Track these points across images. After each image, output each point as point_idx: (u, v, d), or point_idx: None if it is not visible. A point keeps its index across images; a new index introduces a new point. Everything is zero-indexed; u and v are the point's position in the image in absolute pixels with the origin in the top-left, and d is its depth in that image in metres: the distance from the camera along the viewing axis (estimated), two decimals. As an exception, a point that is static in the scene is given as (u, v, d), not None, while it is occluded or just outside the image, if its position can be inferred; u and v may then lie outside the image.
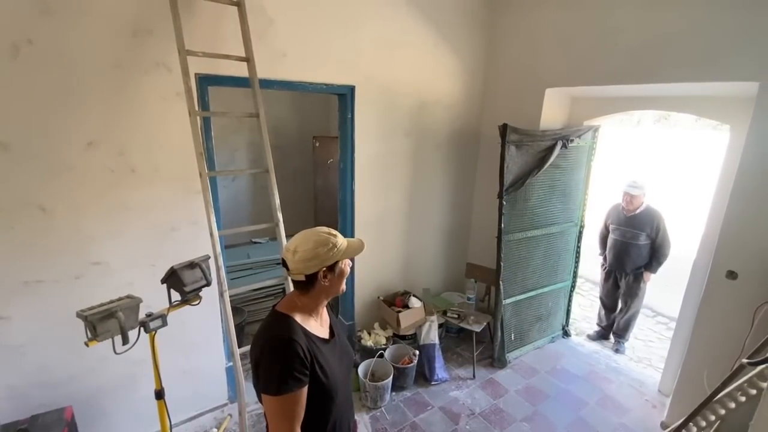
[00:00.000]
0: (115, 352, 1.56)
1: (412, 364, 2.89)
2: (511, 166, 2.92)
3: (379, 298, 3.32)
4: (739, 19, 2.06)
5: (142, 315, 1.67)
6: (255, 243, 5.34)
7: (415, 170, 3.29)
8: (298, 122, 5.65)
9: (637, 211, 3.26)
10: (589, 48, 2.76)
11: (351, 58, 2.67)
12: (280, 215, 2.07)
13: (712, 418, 1.68)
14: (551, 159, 3.00)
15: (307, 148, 5.69)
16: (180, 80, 1.92)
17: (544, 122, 3.17)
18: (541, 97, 3.12)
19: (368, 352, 2.99)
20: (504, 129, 2.81)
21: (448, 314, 3.28)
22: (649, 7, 2.41)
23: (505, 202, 2.94)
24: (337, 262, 1.13)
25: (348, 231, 3.04)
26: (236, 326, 3.10)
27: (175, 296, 1.78)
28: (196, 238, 2.25)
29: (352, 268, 3.14)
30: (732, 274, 2.24)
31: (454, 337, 3.57)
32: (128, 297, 1.63)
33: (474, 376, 3.08)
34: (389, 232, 3.28)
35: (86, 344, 1.51)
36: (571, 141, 3.09)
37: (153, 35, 1.95)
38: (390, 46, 2.84)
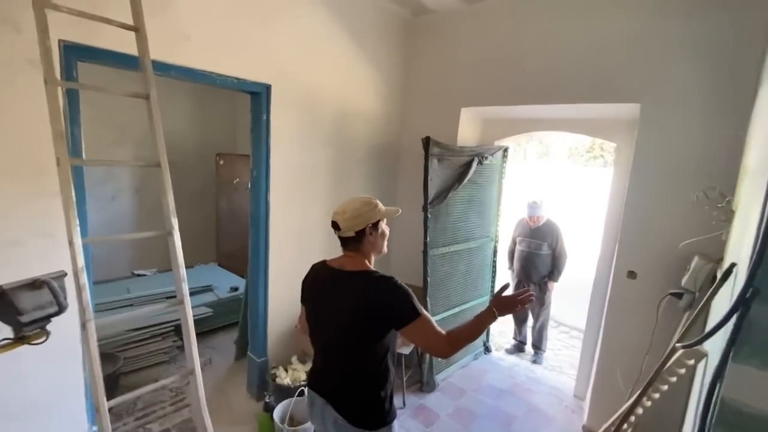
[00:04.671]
0: None
1: (337, 399, 2.53)
2: (435, 179, 2.91)
3: (296, 327, 2.91)
4: (624, 48, 2.38)
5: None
6: (138, 276, 4.46)
7: (337, 183, 3.08)
8: (199, 137, 5.06)
9: (540, 224, 3.57)
10: (497, 71, 2.96)
11: (267, 54, 2.42)
12: (174, 221, 1.64)
13: (649, 404, 1.71)
14: (469, 174, 3.08)
15: (209, 167, 5.10)
16: (34, 45, 1.45)
17: (460, 140, 3.27)
18: (457, 116, 3.23)
19: (285, 392, 2.55)
20: (427, 142, 2.80)
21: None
22: (549, 34, 2.68)
23: (429, 216, 2.89)
24: (379, 221, 1.40)
25: (261, 249, 2.65)
26: (108, 376, 2.41)
27: (6, 331, 1.22)
28: (51, 255, 1.67)
29: (265, 293, 2.72)
30: (632, 274, 2.45)
31: (380, 364, 3.30)
32: None
33: (404, 404, 2.83)
34: (309, 251, 2.95)
35: None
36: (485, 158, 3.23)
37: (-6, -20, 1.47)
38: (310, 49, 2.67)
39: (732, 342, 1.11)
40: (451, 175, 3.04)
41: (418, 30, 3.40)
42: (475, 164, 3.11)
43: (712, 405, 1.12)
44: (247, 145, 2.64)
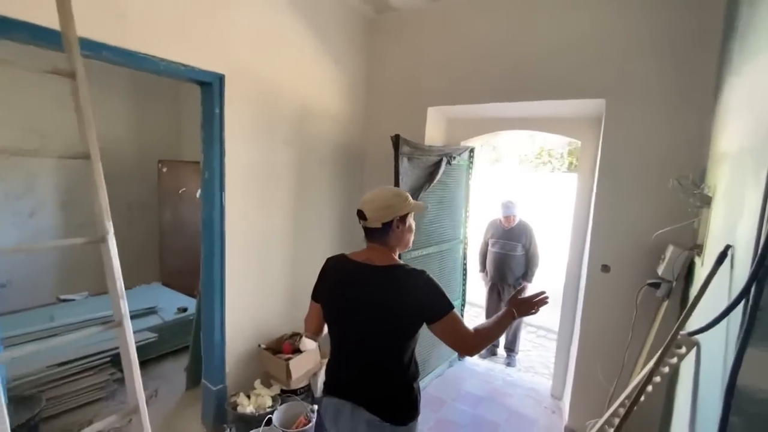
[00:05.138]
0: None
1: (309, 425, 2.27)
2: (405, 179, 2.76)
3: (260, 346, 2.61)
4: (588, 44, 2.41)
5: None
6: (64, 301, 3.87)
7: (300, 186, 2.84)
8: (138, 143, 4.57)
9: (514, 224, 3.53)
10: (463, 69, 2.91)
11: (221, 41, 2.17)
12: (109, 224, 1.34)
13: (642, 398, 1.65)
14: (439, 174, 2.98)
15: (150, 176, 4.61)
16: None
17: (427, 141, 3.18)
18: (424, 116, 3.14)
19: (248, 422, 2.24)
20: (397, 140, 2.66)
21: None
22: (514, 31, 2.67)
23: (401, 217, 2.74)
24: (407, 215, 1.36)
25: (216, 260, 2.34)
26: (23, 424, 1.98)
27: None
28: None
29: (221, 310, 2.41)
30: (606, 268, 2.45)
31: (352, 380, 3.07)
32: None
33: (382, 422, 2.62)
34: (271, 260, 2.68)
35: None
36: (454, 158, 3.16)
37: None
38: (269, 39, 2.45)
39: (751, 324, 1.05)
40: (421, 174, 2.92)
41: (381, 28, 3.29)
42: (444, 164, 3.03)
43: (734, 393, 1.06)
44: (194, 151, 2.36)
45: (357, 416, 1.32)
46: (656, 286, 2.09)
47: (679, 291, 2.04)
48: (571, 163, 9.54)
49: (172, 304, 3.70)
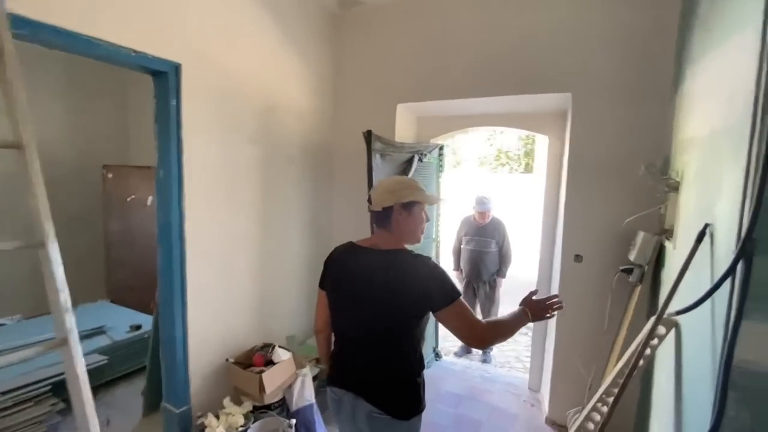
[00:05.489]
0: None
1: (287, 441, 2.10)
2: (378, 176, 2.68)
3: (228, 360, 2.40)
4: (553, 39, 2.46)
5: None
6: (-7, 327, 3.38)
7: (267, 186, 2.67)
8: (79, 146, 4.15)
9: (487, 221, 3.55)
10: (432, 65, 2.89)
11: (177, 26, 1.98)
12: (49, 227, 1.13)
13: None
14: (411, 171, 2.94)
15: (93, 183, 4.19)
16: None
17: (398, 138, 3.12)
18: (393, 113, 3.08)
19: (218, 445, 2.04)
20: (369, 135, 2.58)
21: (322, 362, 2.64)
22: (481, 27, 2.69)
23: (375, 216, 2.65)
24: (413, 204, 1.32)
25: (176, 269, 2.12)
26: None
27: None
28: None
29: (183, 324, 2.19)
30: (578, 258, 2.50)
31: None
32: None
33: (363, 431, 2.49)
34: (237, 268, 2.49)
35: None
36: (425, 155, 3.13)
37: None
38: (230, 29, 2.29)
39: (743, 297, 1.06)
40: (393, 172, 2.85)
41: (347, 24, 3.21)
42: (416, 161, 2.99)
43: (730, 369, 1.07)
44: (143, 155, 2.15)
45: (358, 407, 1.30)
46: (629, 272, 2.16)
47: (650, 275, 2.10)
48: (527, 164, 9.97)
49: (122, 322, 3.35)
